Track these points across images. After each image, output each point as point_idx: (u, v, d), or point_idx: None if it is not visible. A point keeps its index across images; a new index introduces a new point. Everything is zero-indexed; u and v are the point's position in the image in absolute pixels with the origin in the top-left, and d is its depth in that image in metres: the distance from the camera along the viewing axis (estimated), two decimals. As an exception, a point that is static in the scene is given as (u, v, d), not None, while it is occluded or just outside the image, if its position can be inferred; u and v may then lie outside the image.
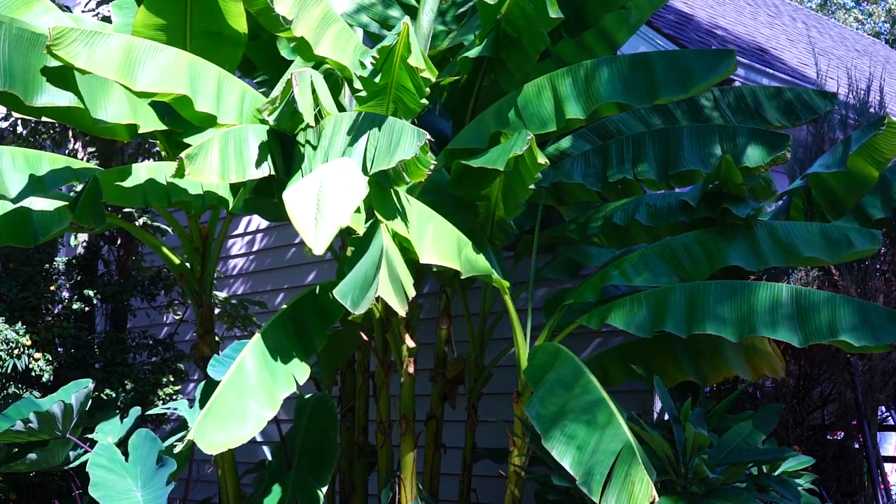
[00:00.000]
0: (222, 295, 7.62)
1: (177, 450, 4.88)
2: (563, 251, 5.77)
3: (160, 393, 7.36)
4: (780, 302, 4.52)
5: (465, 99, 5.50)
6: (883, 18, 27.60)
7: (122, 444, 5.64)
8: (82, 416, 5.79)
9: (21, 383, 7.11)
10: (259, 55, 5.75)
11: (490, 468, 6.13)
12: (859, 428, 5.67)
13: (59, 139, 7.84)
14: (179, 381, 7.73)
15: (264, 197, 4.91)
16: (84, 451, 5.83)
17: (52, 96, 4.55)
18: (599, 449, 4.13)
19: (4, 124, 8.36)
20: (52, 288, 7.56)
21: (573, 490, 4.37)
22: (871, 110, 6.21)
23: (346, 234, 5.20)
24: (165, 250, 5.62)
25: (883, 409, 5.91)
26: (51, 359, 7.13)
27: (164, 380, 7.49)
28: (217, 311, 7.43)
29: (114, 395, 7.05)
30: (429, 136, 4.18)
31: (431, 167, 4.31)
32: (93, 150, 7.64)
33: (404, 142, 4.22)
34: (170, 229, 6.63)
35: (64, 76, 4.43)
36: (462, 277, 4.56)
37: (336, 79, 5.25)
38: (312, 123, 4.53)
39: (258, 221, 8.68)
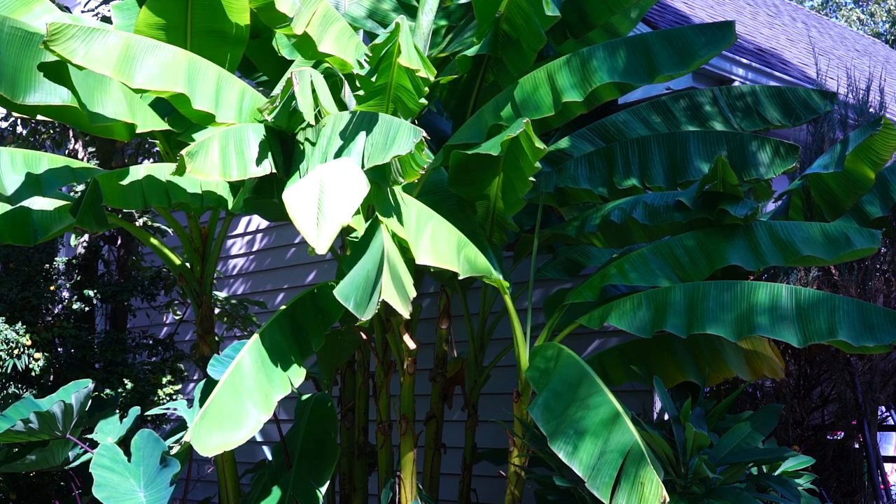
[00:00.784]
0: (222, 295, 7.62)
1: (173, 451, 4.88)
2: (563, 251, 5.76)
3: (160, 393, 7.36)
4: (780, 302, 4.52)
5: (465, 98, 5.50)
6: (884, 18, 27.59)
7: (122, 443, 5.64)
8: (82, 416, 5.79)
9: (21, 383, 7.12)
10: (259, 55, 5.75)
11: (490, 468, 6.13)
12: (859, 428, 5.67)
13: (59, 139, 7.84)
14: (179, 381, 7.73)
15: (265, 196, 4.91)
16: (84, 451, 5.83)
17: (44, 95, 4.52)
18: (607, 450, 4.12)
19: (4, 124, 8.36)
20: (52, 288, 7.56)
21: (573, 490, 4.38)
22: (871, 110, 6.21)
23: (345, 235, 5.20)
24: (165, 250, 5.62)
25: (883, 409, 5.91)
26: (49, 358, 7.13)
27: (164, 380, 7.50)
28: (217, 311, 7.44)
29: (113, 394, 7.05)
30: (425, 134, 4.18)
31: (426, 166, 4.31)
32: (93, 150, 7.64)
33: (400, 138, 4.22)
34: (170, 229, 6.64)
35: (60, 73, 4.41)
36: (460, 278, 4.56)
37: (336, 78, 5.25)
38: (313, 122, 4.53)
39: (258, 221, 8.68)
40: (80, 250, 7.81)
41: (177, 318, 8.26)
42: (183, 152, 4.23)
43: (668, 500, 3.89)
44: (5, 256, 7.60)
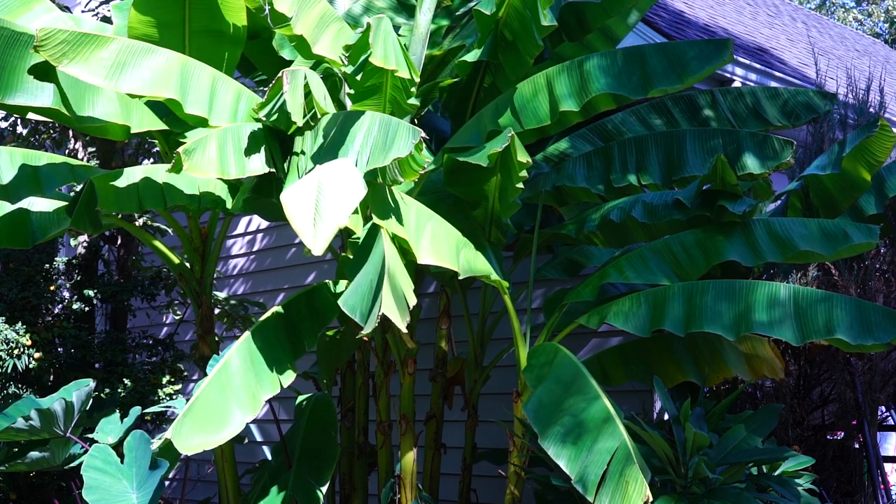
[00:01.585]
0: (222, 295, 7.62)
1: (154, 447, 4.87)
2: (562, 251, 5.77)
3: (160, 393, 7.36)
4: (778, 300, 4.52)
5: (465, 99, 5.50)
6: (882, 19, 27.59)
7: (122, 443, 5.64)
8: (83, 416, 5.79)
9: (21, 383, 7.12)
10: (259, 55, 5.75)
11: (490, 468, 6.13)
12: (859, 428, 5.67)
13: (60, 139, 7.84)
14: (179, 381, 7.73)
15: (264, 196, 4.91)
16: (84, 451, 5.83)
17: (30, 96, 4.47)
18: (595, 448, 4.13)
19: (4, 124, 8.37)
20: (52, 288, 7.56)
21: (573, 490, 4.37)
22: (871, 110, 6.22)
23: (345, 235, 5.20)
24: (165, 250, 5.61)
25: (883, 409, 5.91)
26: (49, 358, 7.13)
27: (164, 380, 7.50)
28: (217, 311, 7.44)
29: (113, 394, 7.05)
30: (424, 134, 4.18)
31: (425, 166, 4.30)
32: (93, 150, 7.64)
33: (399, 139, 4.21)
34: (170, 229, 6.64)
35: (48, 73, 4.38)
36: (460, 278, 4.56)
37: (336, 78, 5.25)
38: (300, 123, 4.51)
39: (258, 221, 8.69)
40: (80, 250, 7.82)
41: (177, 318, 8.26)
42: (180, 149, 4.21)
43: (651, 499, 3.90)
44: (5, 256, 7.61)
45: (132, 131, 4.84)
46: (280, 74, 4.42)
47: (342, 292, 4.37)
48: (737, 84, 6.53)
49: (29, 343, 7.00)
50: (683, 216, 4.84)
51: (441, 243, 4.55)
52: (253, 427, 8.17)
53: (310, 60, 5.21)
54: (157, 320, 9.19)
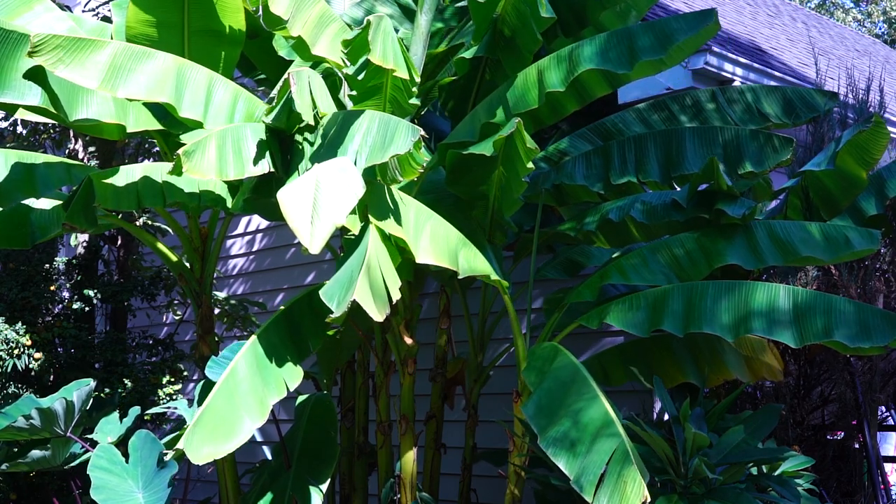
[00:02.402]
0: (222, 295, 7.62)
1: (167, 457, 4.87)
2: (562, 251, 5.77)
3: (160, 393, 7.36)
4: (777, 302, 4.51)
5: (464, 98, 5.50)
6: (882, 19, 27.57)
7: (122, 443, 5.64)
8: (83, 415, 5.79)
9: (21, 383, 7.12)
10: (258, 55, 5.75)
11: (490, 468, 6.13)
12: (859, 428, 5.67)
13: (60, 139, 7.84)
14: (179, 381, 7.73)
15: (264, 196, 4.90)
16: (84, 451, 5.83)
17: (18, 94, 4.46)
18: (593, 449, 4.12)
19: (4, 124, 8.37)
20: (52, 288, 7.56)
21: (573, 490, 4.37)
22: (871, 110, 6.21)
23: (344, 235, 5.20)
24: (165, 250, 5.61)
25: (883, 409, 5.91)
26: (49, 358, 7.13)
27: (164, 380, 7.50)
28: (217, 311, 7.44)
29: (113, 394, 7.05)
30: (423, 132, 4.17)
31: (424, 164, 4.29)
32: (93, 150, 7.64)
33: (398, 137, 4.20)
34: (169, 229, 6.64)
35: (37, 74, 4.37)
36: (460, 277, 4.55)
37: (335, 78, 5.25)
38: (312, 122, 4.52)
39: (258, 221, 8.69)
40: (80, 250, 7.82)
41: (177, 318, 8.26)
42: (180, 151, 4.20)
43: (648, 499, 3.90)
44: (5, 256, 7.61)
45: (128, 130, 4.83)
46: (286, 76, 4.41)
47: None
48: (736, 83, 6.52)
49: (29, 343, 7.00)
50: (682, 217, 4.84)
51: (440, 243, 4.54)
52: (253, 427, 8.16)
53: (309, 60, 5.21)
54: (157, 320, 9.19)
